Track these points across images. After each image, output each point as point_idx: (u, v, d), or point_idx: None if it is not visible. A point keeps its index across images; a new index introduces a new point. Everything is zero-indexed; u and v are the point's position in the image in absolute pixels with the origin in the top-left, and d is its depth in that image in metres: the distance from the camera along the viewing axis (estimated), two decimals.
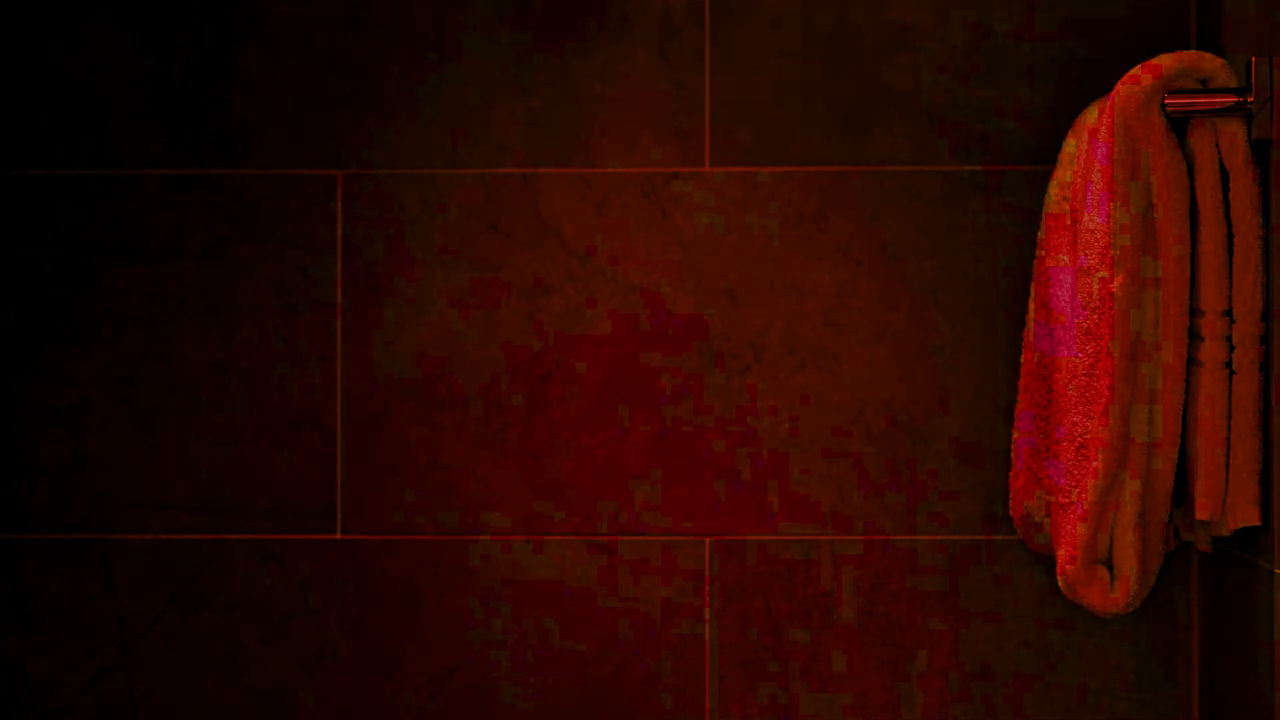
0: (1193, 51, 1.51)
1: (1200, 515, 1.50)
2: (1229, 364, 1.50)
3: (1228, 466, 1.50)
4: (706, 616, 1.82)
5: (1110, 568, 1.55)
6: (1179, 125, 1.55)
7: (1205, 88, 1.50)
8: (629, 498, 1.82)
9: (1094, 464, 1.51)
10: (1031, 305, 1.70)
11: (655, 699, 1.82)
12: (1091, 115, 1.60)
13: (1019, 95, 1.80)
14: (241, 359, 1.83)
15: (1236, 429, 1.49)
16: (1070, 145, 1.65)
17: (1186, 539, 1.61)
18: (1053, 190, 1.67)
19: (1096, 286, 1.51)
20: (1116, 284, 1.49)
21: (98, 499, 1.84)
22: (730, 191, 1.81)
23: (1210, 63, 1.50)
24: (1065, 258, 1.62)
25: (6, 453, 1.85)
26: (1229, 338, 1.50)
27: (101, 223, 1.84)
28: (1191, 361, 1.52)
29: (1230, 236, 1.51)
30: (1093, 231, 1.52)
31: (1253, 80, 1.46)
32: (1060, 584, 1.56)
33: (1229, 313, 1.50)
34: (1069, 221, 1.63)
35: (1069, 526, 1.55)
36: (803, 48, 1.81)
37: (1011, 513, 1.71)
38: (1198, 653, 1.78)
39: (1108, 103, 1.53)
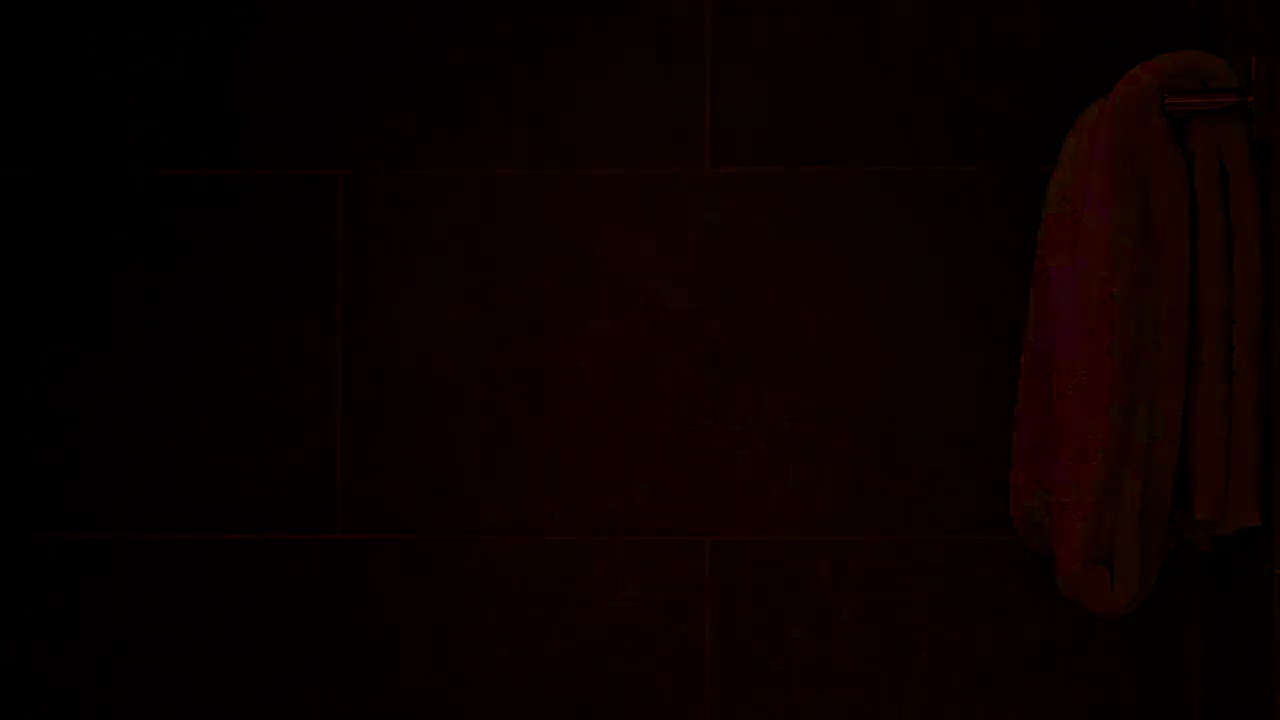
0: (1193, 51, 1.51)
1: (1200, 515, 1.50)
2: (1229, 364, 1.50)
3: (1228, 466, 1.50)
4: (706, 617, 1.82)
5: (1110, 568, 1.55)
6: (1179, 125, 1.55)
7: (1205, 88, 1.50)
8: (629, 498, 1.82)
9: (1094, 464, 1.51)
10: (1031, 305, 1.70)
11: (655, 700, 1.82)
12: (1091, 115, 1.60)
13: (1019, 95, 1.80)
14: (241, 359, 1.83)
15: (1236, 429, 1.49)
16: (1070, 145, 1.65)
17: (1186, 539, 1.61)
18: (1053, 190, 1.67)
19: (1096, 286, 1.51)
20: (1117, 284, 1.49)
21: (98, 499, 1.84)
22: (730, 191, 1.81)
23: (1210, 62, 1.49)
24: (1065, 258, 1.62)
25: (7, 453, 1.85)
26: (1229, 338, 1.50)
27: (102, 223, 1.84)
28: (1191, 361, 1.52)
29: (1230, 236, 1.50)
30: (1093, 231, 1.52)
31: (1253, 80, 1.46)
32: (1060, 584, 1.56)
33: (1229, 313, 1.50)
34: (1069, 221, 1.62)
35: (1069, 526, 1.55)
36: (803, 48, 1.81)
37: (1011, 513, 1.71)
38: (1198, 653, 1.78)
39: (1108, 103, 1.53)
